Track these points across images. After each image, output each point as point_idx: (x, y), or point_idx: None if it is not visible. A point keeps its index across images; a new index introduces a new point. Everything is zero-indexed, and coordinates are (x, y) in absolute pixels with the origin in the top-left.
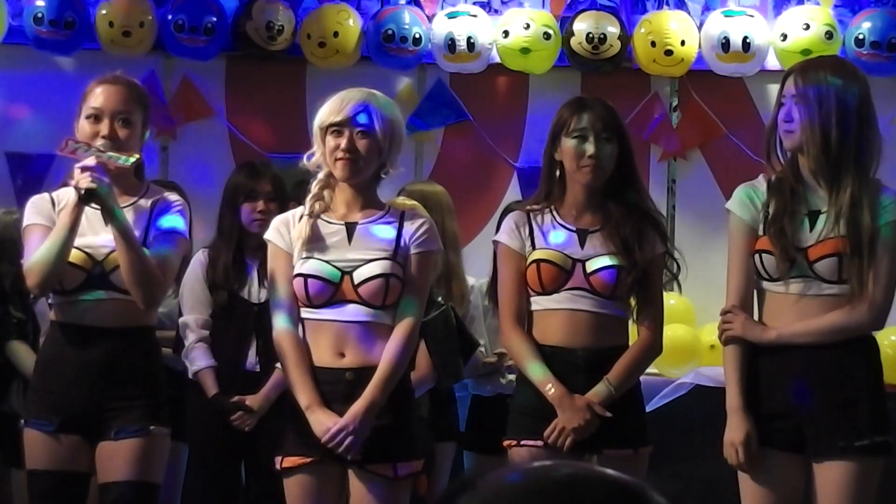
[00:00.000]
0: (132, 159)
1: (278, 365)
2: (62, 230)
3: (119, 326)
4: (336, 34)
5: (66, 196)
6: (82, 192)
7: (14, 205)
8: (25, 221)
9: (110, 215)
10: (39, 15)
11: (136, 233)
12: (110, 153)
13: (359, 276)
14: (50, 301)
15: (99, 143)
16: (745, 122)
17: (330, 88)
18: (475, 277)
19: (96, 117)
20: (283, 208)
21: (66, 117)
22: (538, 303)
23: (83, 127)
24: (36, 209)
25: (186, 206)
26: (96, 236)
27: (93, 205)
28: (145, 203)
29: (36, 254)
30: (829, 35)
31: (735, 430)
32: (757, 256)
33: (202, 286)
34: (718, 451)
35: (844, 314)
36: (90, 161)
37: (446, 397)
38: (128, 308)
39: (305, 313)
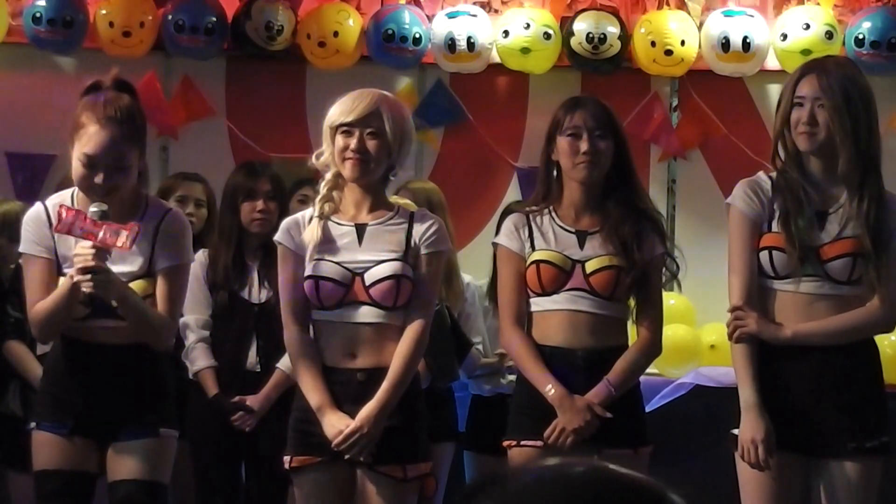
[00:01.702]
0: (129, 237)
1: (279, 365)
2: (61, 304)
3: (125, 343)
4: (336, 34)
5: (62, 210)
6: (84, 296)
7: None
8: (22, 247)
9: (115, 299)
10: (38, 14)
11: (139, 258)
12: (106, 228)
13: (370, 277)
14: None
15: (91, 209)
16: (745, 122)
17: (330, 88)
18: (474, 277)
19: (91, 165)
20: (282, 207)
21: (66, 117)
22: (538, 304)
23: (76, 169)
24: (33, 234)
25: (187, 223)
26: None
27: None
28: (147, 226)
29: (38, 308)
30: (830, 35)
31: (755, 428)
32: (765, 253)
33: (202, 286)
34: (719, 450)
35: (861, 314)
36: (87, 252)
37: (444, 397)
38: (133, 329)
39: (316, 315)
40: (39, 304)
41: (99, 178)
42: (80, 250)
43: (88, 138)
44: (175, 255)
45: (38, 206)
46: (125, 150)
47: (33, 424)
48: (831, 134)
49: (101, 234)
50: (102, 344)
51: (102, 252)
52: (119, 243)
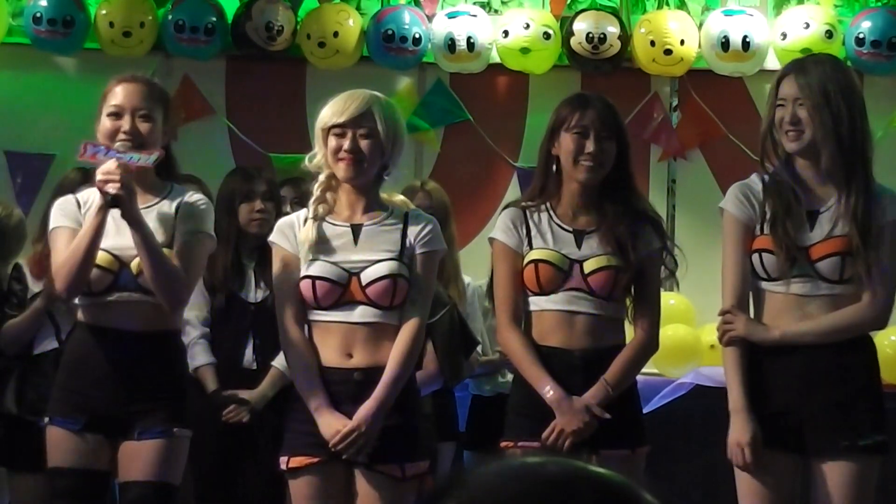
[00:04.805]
0: (153, 157)
1: (274, 363)
2: (88, 233)
3: (146, 329)
4: (336, 34)
5: (92, 196)
6: (108, 197)
7: (14, 204)
8: (52, 224)
9: (132, 221)
10: (38, 14)
11: (162, 234)
12: (130, 154)
13: (366, 276)
14: (76, 302)
15: (117, 143)
16: (745, 122)
17: (330, 88)
18: (474, 277)
19: (117, 114)
20: (278, 207)
21: (66, 117)
22: (535, 303)
23: (104, 124)
24: (62, 211)
25: (210, 203)
26: (123, 238)
27: (116, 209)
28: (169, 204)
29: (62, 257)
30: (830, 34)
31: (740, 431)
32: (756, 256)
33: (200, 285)
34: (719, 451)
35: (850, 313)
36: (111, 165)
37: (447, 397)
38: (155, 310)
39: (312, 315)
40: (64, 254)
41: (125, 124)
42: (105, 167)
43: (115, 94)
44: (192, 223)
45: (67, 195)
46: (151, 105)
47: (46, 419)
48: (814, 133)
49: (124, 157)
50: (123, 330)
51: (126, 168)
52: (142, 162)
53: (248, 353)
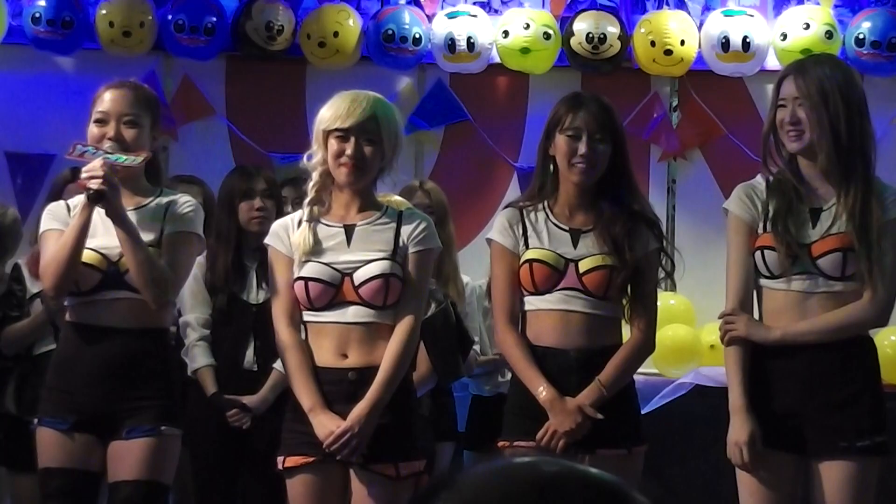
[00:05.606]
0: (139, 159)
1: (275, 365)
2: (73, 231)
3: (135, 327)
4: (336, 34)
5: (81, 201)
6: (91, 193)
7: (14, 205)
8: (42, 228)
9: (116, 218)
10: (37, 15)
11: (151, 234)
12: (118, 155)
13: (359, 277)
14: (66, 303)
15: (106, 145)
16: (745, 122)
17: (330, 88)
18: (473, 277)
19: (102, 120)
20: (278, 205)
21: (66, 117)
22: (531, 303)
23: (91, 130)
24: (52, 216)
25: (199, 204)
26: (111, 237)
27: (100, 207)
28: (158, 205)
29: (49, 256)
30: (829, 35)
31: (739, 431)
32: (758, 253)
33: (201, 287)
34: (719, 450)
35: (851, 311)
36: (96, 163)
37: (446, 397)
38: (143, 308)
39: (307, 316)
40: (52, 252)
41: (110, 130)
42: (89, 165)
43: (102, 101)
44: (180, 223)
45: (59, 201)
46: (135, 110)
47: (36, 421)
48: (812, 132)
49: (111, 157)
50: (111, 328)
51: (112, 168)
52: (128, 163)
53: (249, 354)
